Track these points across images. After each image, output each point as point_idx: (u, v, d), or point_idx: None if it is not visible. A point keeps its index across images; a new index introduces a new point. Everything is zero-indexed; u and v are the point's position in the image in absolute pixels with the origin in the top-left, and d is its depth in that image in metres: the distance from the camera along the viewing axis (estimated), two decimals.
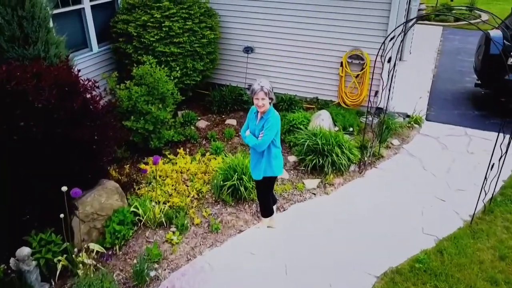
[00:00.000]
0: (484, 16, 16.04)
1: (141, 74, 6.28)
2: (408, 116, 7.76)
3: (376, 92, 5.72)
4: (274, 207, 4.96)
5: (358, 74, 7.65)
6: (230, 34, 8.24)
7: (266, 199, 4.64)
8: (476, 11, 16.55)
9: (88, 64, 7.37)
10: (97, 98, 4.63)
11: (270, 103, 4.14)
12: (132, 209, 4.99)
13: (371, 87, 6.39)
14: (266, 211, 4.75)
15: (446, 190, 5.73)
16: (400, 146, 6.84)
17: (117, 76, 6.17)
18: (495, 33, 7.79)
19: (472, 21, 15.71)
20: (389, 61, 5.42)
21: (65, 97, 4.27)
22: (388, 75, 5.74)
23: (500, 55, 7.57)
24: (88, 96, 4.62)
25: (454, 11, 15.49)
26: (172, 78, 6.59)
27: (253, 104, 4.24)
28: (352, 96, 7.85)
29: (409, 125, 7.45)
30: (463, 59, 11.10)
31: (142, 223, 4.96)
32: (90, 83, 4.67)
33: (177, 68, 6.77)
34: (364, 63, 7.48)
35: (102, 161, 4.79)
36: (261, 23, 7.94)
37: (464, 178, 5.98)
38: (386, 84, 5.74)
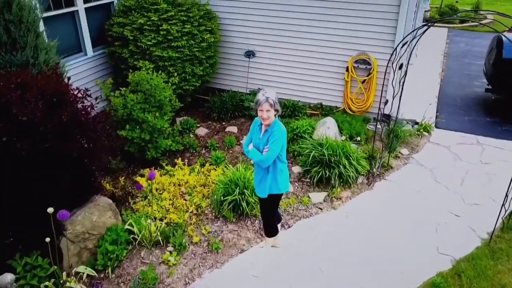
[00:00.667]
0: (490, 18, 15.72)
1: (137, 80, 5.94)
2: (416, 123, 7.42)
3: (387, 102, 5.38)
4: (279, 225, 4.63)
5: (365, 80, 7.32)
6: (231, 37, 7.91)
7: (270, 218, 4.30)
8: (481, 12, 16.23)
9: (82, 69, 7.04)
10: (88, 109, 4.29)
11: (275, 115, 3.81)
12: (126, 226, 4.65)
13: (381, 93, 6.05)
14: (271, 231, 4.41)
15: (460, 205, 5.40)
16: (410, 156, 6.51)
17: (112, 83, 5.83)
18: (509, 36, 7.44)
19: (478, 23, 15.42)
20: (400, 67, 5.09)
21: (53, 109, 3.94)
22: (399, 82, 5.40)
23: None
24: (80, 106, 4.28)
25: (459, 13, 15.16)
26: (170, 84, 6.26)
27: (256, 115, 3.91)
28: (358, 102, 7.52)
29: (418, 133, 7.12)
30: (471, 62, 10.78)
31: (137, 242, 4.63)
32: (80, 92, 4.34)
33: (175, 74, 6.44)
34: (371, 68, 7.15)
35: (94, 176, 4.46)
36: (263, 26, 7.61)
37: (479, 191, 5.65)
38: (397, 92, 5.41)
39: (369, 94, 7.36)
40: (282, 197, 5.33)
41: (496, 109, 8.08)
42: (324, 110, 7.75)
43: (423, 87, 8.99)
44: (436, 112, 7.90)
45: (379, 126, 7.33)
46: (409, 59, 5.41)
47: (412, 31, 5.09)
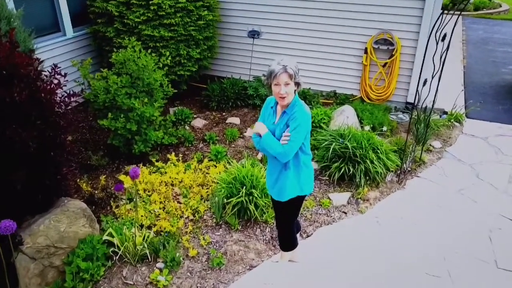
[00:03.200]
0: (505, 6, 14.83)
1: (122, 60, 4.97)
2: (445, 112, 6.48)
3: (425, 82, 4.42)
4: (297, 235, 3.66)
5: (386, 63, 6.37)
6: (232, 16, 6.94)
7: (288, 228, 3.29)
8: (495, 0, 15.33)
9: (60, 52, 6.10)
10: (52, 86, 3.32)
11: (295, 91, 2.84)
12: (105, 237, 3.69)
13: (419, 79, 5.07)
14: (289, 244, 3.41)
15: None
16: (443, 149, 5.56)
17: (91, 63, 4.87)
18: None
19: (492, 10, 14.53)
20: (443, 39, 4.14)
21: (2, 85, 2.99)
22: (440, 58, 4.45)
23: None
24: (40, 84, 3.32)
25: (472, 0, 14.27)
26: (161, 65, 5.30)
27: (266, 96, 2.93)
28: (377, 89, 6.57)
29: (449, 123, 6.17)
30: (494, 49, 9.85)
31: (118, 256, 3.65)
32: (38, 64, 3.36)
33: (167, 54, 5.47)
34: (394, 48, 6.20)
35: (61, 173, 3.48)
36: (269, 3, 6.64)
37: None
38: (438, 70, 4.45)
39: (390, 80, 6.41)
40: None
41: None
42: (338, 99, 6.80)
43: (447, 74, 8.03)
44: (465, 101, 6.95)
45: (404, 115, 6.42)
46: (453, 30, 4.47)
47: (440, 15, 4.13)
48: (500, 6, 14.83)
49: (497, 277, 3.59)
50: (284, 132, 2.83)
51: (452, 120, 6.21)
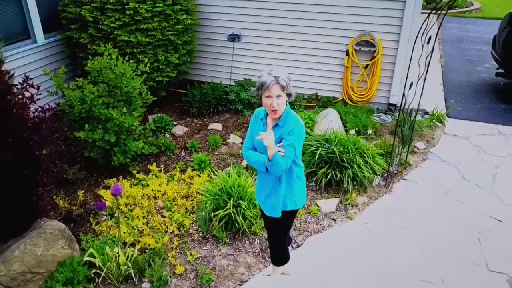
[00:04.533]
0: (476, 4, 15.16)
1: (98, 68, 4.76)
2: (427, 113, 6.50)
3: (411, 84, 4.39)
4: (289, 247, 3.54)
5: (368, 64, 6.34)
6: (211, 20, 6.78)
7: (281, 243, 3.17)
8: None
9: (31, 60, 5.82)
10: (24, 100, 3.11)
11: (286, 101, 2.73)
12: (86, 258, 3.49)
13: (406, 81, 5.04)
14: (282, 258, 3.29)
15: (500, 207, 4.47)
16: (427, 150, 5.56)
17: (65, 71, 4.63)
18: None
19: (465, 9, 14.82)
20: (428, 41, 4.11)
21: None
22: (425, 60, 4.42)
23: None
24: (11, 98, 3.10)
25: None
26: (139, 73, 5.10)
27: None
28: (359, 91, 6.53)
29: (431, 123, 6.19)
30: (469, 48, 10.01)
31: (101, 278, 3.46)
32: (9, 77, 3.14)
33: (146, 61, 5.28)
34: (376, 50, 6.18)
35: (36, 194, 3.27)
36: (249, 5, 6.52)
37: None
38: (422, 73, 4.43)
39: (372, 81, 6.39)
40: None
41: (510, 94, 7.26)
42: (320, 102, 6.73)
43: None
44: (445, 101, 7.01)
45: (386, 117, 6.40)
46: (438, 31, 4.45)
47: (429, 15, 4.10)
48: (472, 4, 15.15)
49: (489, 280, 3.57)
50: (277, 145, 2.69)
51: (434, 120, 6.23)
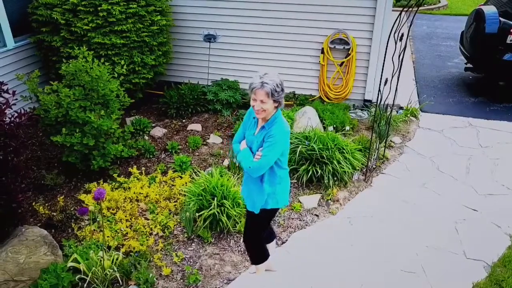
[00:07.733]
0: (443, 1, 15.60)
1: (73, 71, 4.67)
2: (401, 108, 6.67)
3: (386, 81, 4.50)
4: (273, 243, 3.58)
5: (343, 62, 6.46)
6: (186, 20, 6.76)
7: (258, 240, 3.20)
8: None
9: (1, 64, 5.65)
10: (3, 107, 3.03)
11: (276, 107, 2.78)
12: (70, 263, 3.43)
13: (381, 78, 5.16)
14: (259, 256, 3.31)
15: (474, 197, 4.65)
16: (403, 145, 5.72)
17: (39, 76, 4.53)
18: (489, 10, 6.89)
19: (433, 6, 15.23)
20: (401, 38, 4.23)
21: None
22: (398, 57, 4.55)
23: (498, 33, 6.74)
24: None
25: None
26: (116, 75, 5.03)
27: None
28: (336, 89, 6.65)
29: (406, 118, 6.36)
30: (439, 44, 10.30)
31: (86, 283, 3.41)
32: None
33: (122, 63, 5.22)
34: (350, 48, 6.30)
35: (16, 201, 3.19)
36: (223, 6, 6.53)
37: (489, 179, 4.95)
38: (396, 69, 4.56)
39: (348, 78, 6.51)
40: None
41: (479, 88, 7.54)
42: (298, 100, 6.81)
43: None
44: (418, 96, 7.21)
45: (363, 113, 6.54)
46: (409, 29, 4.59)
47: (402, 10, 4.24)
48: (439, 1, 15.57)
49: (467, 267, 3.71)
50: (260, 147, 2.79)
51: (408, 115, 6.41)
